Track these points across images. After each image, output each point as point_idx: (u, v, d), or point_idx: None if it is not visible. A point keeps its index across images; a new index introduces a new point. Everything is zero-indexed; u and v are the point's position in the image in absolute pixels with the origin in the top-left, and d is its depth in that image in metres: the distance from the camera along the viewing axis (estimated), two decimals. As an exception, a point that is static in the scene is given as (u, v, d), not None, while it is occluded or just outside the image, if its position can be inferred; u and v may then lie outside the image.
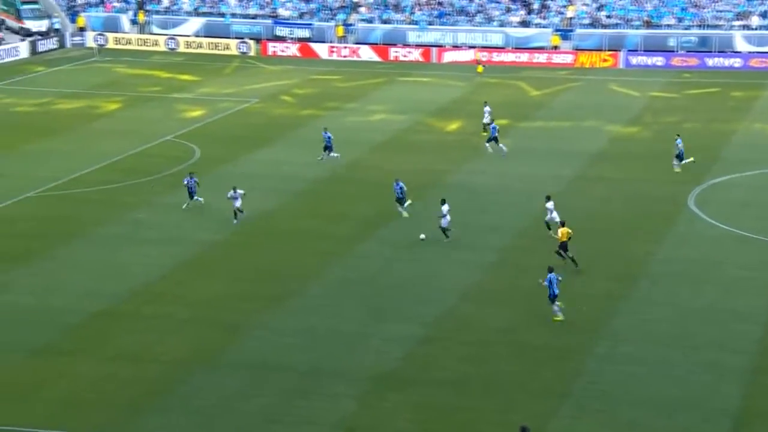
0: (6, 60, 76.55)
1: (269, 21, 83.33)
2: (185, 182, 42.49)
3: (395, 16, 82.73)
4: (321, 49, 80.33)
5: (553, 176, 47.30)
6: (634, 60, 74.54)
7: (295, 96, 67.46)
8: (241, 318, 32.72)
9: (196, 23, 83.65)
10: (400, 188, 41.72)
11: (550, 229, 39.09)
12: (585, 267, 36.16)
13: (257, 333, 31.67)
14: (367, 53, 79.35)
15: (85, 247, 38.72)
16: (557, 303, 32.10)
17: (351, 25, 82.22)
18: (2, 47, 77.86)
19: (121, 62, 77.75)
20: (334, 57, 79.76)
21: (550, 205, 39.55)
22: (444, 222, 38.96)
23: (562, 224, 36.77)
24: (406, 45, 79.55)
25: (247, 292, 34.81)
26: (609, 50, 75.43)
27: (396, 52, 78.16)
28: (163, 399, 27.76)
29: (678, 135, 49.36)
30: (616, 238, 39.60)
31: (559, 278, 32.26)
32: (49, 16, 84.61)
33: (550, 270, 32.25)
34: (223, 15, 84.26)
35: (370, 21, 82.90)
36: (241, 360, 29.90)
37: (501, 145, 51.14)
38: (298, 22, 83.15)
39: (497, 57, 77.21)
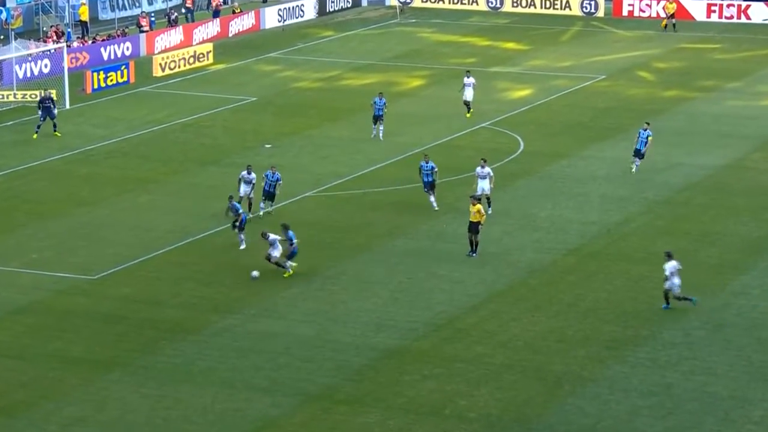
0: (288, 22, 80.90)
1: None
2: (239, 210, 40.84)
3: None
4: (696, 7, 79.14)
5: None
6: None
7: (656, 71, 66.88)
8: (570, 367, 33.01)
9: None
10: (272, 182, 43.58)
11: (480, 201, 41.96)
12: None
13: (592, 389, 31.83)
14: (761, 13, 77.37)
15: (374, 264, 40.34)
16: (291, 262, 38.37)
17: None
18: (285, 5, 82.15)
19: (429, 25, 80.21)
20: (714, 18, 78.39)
21: (483, 170, 43.46)
22: (673, 285, 35.95)
23: (478, 200, 40.77)
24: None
25: (580, 334, 35.06)
26: None
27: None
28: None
29: (648, 123, 48.45)
30: None
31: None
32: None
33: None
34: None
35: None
36: (571, 423, 30.14)
37: (375, 126, 53.42)
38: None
39: None
